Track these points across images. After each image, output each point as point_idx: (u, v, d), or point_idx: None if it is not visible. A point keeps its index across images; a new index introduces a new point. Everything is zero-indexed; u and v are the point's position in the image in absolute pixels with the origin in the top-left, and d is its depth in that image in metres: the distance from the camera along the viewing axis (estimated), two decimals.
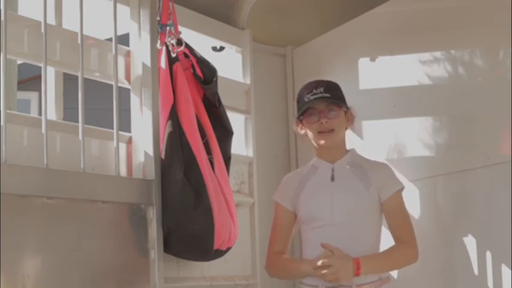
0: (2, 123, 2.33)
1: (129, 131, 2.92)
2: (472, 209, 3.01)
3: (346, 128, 2.98)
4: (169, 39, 2.95)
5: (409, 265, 2.90)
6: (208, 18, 3.46)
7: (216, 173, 2.96)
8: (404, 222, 2.89)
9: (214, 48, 3.64)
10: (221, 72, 3.17)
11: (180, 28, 3.02)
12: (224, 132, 3.11)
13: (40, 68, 2.52)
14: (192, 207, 2.78)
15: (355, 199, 2.86)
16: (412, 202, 3.20)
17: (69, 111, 2.83)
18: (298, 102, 2.98)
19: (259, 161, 3.59)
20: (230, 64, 3.64)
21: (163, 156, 2.83)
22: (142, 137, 2.87)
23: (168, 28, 2.96)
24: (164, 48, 2.95)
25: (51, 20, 2.71)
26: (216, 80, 3.07)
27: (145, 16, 2.91)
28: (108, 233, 2.64)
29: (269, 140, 3.79)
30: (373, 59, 3.52)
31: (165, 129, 2.85)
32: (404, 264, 2.92)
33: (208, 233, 2.82)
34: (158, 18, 2.95)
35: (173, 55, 2.96)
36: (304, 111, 2.92)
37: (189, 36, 3.22)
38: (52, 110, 2.69)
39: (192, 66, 3.02)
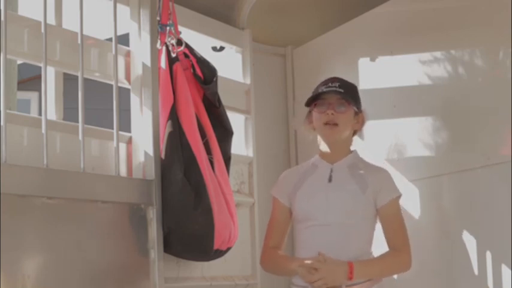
0: (2, 123, 2.33)
1: (129, 131, 2.92)
2: (472, 209, 3.01)
3: (354, 131, 2.96)
4: (169, 39, 2.95)
5: (401, 273, 2.90)
6: (208, 18, 3.46)
7: (216, 173, 2.96)
8: (399, 229, 2.87)
9: (214, 48, 3.64)
10: (221, 72, 3.17)
11: (180, 28, 3.02)
12: (224, 132, 3.11)
13: (40, 68, 2.52)
14: (192, 207, 2.78)
15: (350, 201, 2.85)
16: (412, 202, 3.20)
17: (69, 111, 2.83)
18: (312, 93, 2.97)
19: (259, 161, 3.59)
20: (230, 64, 3.64)
21: (163, 156, 2.83)
22: (142, 137, 2.87)
23: (168, 28, 2.96)
24: (164, 48, 2.96)
25: (51, 20, 2.71)
26: (216, 80, 3.07)
27: (145, 16, 2.91)
28: (108, 233, 2.64)
29: (269, 140, 3.79)
30: (373, 59, 3.52)
31: (165, 129, 2.85)
32: (396, 272, 2.92)
33: (208, 233, 2.82)
34: (158, 18, 2.95)
35: (173, 55, 2.96)
36: (315, 101, 2.90)
37: (189, 36, 3.22)
38: (52, 110, 2.69)
39: (192, 66, 3.03)
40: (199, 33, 3.41)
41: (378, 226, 2.92)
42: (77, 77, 2.63)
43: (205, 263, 3.06)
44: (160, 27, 2.95)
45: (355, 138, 3.04)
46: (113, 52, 2.77)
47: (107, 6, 2.83)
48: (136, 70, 2.93)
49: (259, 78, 3.71)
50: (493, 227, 2.92)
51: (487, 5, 2.99)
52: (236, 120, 3.44)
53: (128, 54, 2.95)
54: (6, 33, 2.38)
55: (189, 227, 2.79)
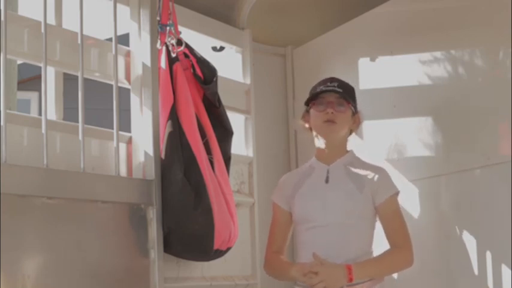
0: (2, 123, 2.33)
1: (129, 131, 2.92)
2: (472, 209, 3.01)
3: (351, 131, 2.98)
4: (169, 39, 2.95)
5: (403, 270, 2.89)
6: (208, 18, 3.46)
7: (216, 173, 2.96)
8: (399, 226, 2.87)
9: (214, 48, 3.64)
10: (221, 72, 3.17)
11: (180, 28, 3.02)
12: (224, 132, 3.11)
13: (40, 68, 2.52)
14: (192, 207, 2.78)
15: (348, 201, 2.85)
16: (412, 202, 3.20)
17: (69, 111, 2.83)
18: (310, 93, 2.97)
19: (259, 161, 3.59)
20: (230, 64, 3.64)
21: (163, 156, 2.83)
22: (142, 137, 2.87)
23: (168, 28, 2.96)
24: (164, 48, 2.96)
25: (51, 20, 2.71)
26: (216, 80, 3.07)
27: (145, 16, 2.91)
28: (108, 233, 2.64)
29: (269, 140, 3.79)
30: (373, 59, 3.52)
31: (165, 129, 2.85)
32: (398, 269, 2.92)
33: (208, 233, 2.82)
34: (158, 18, 2.95)
35: (173, 55, 2.96)
36: (314, 100, 2.90)
37: (189, 36, 3.22)
38: (52, 110, 2.69)
39: (192, 66, 3.02)
40: (199, 33, 3.41)
41: (378, 225, 2.92)
42: (77, 77, 2.63)
43: (205, 263, 3.06)
44: (160, 27, 2.95)
45: (355, 138, 3.04)
46: (113, 52, 2.77)
47: (107, 6, 2.83)
48: (136, 70, 2.93)
49: (259, 78, 3.71)
50: (493, 227, 2.92)
51: (487, 5, 2.99)
52: (236, 120, 3.44)
53: (128, 54, 2.95)
54: (6, 33, 2.38)
55: (189, 227, 2.79)
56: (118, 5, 2.82)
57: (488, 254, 2.93)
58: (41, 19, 2.53)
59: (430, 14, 3.26)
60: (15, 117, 2.53)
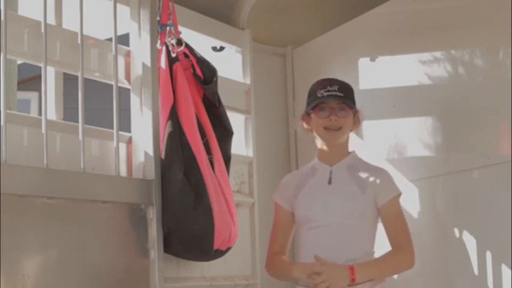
0: (2, 123, 2.33)
1: (129, 131, 2.92)
2: (472, 209, 3.01)
3: (351, 131, 2.97)
4: (169, 39, 2.95)
5: (404, 271, 2.88)
6: (208, 18, 3.46)
7: (216, 173, 2.96)
8: (401, 228, 2.87)
9: (214, 48, 3.64)
10: (221, 72, 3.17)
11: (180, 28, 3.02)
12: (224, 132, 3.11)
13: (40, 68, 2.52)
14: (192, 207, 2.78)
15: (350, 202, 2.85)
16: (412, 202, 3.20)
17: (69, 111, 2.83)
18: (309, 96, 2.96)
19: (259, 161, 3.59)
20: (230, 64, 3.64)
21: (163, 156, 2.83)
22: (142, 137, 2.87)
23: (168, 28, 2.96)
24: (164, 48, 2.96)
25: (51, 20, 2.71)
26: (216, 80, 3.07)
27: (145, 16, 2.91)
28: (108, 233, 2.64)
29: (269, 140, 3.79)
30: (373, 59, 3.52)
31: (165, 129, 2.85)
32: (399, 271, 2.91)
33: (208, 233, 2.82)
34: (158, 18, 2.95)
35: (173, 55, 2.96)
36: (315, 106, 2.90)
37: (189, 36, 3.22)
38: (52, 110, 2.69)
39: (192, 66, 3.02)
40: (199, 33, 3.41)
41: (381, 226, 2.92)
42: (77, 77, 2.63)
43: (205, 263, 3.06)
44: (160, 27, 2.95)
45: (356, 139, 3.05)
46: (113, 52, 2.77)
47: (107, 6, 2.83)
48: (137, 70, 2.93)
49: (259, 78, 3.71)
50: (492, 227, 2.92)
51: (487, 5, 2.99)
52: (236, 120, 3.44)
53: (128, 54, 2.95)
54: (6, 33, 2.38)
55: (189, 227, 2.79)
56: (118, 5, 2.82)
57: (488, 254, 2.93)
58: (41, 19, 2.53)
59: (430, 14, 3.26)
60: (15, 117, 2.53)
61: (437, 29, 3.21)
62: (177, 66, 2.96)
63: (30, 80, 9.34)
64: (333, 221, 2.84)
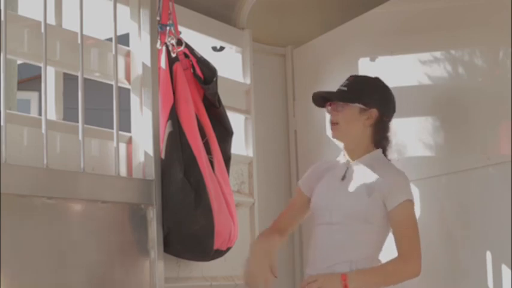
0: (2, 123, 2.33)
1: (129, 131, 2.92)
2: (472, 209, 3.01)
3: (373, 127, 2.88)
4: (169, 39, 2.96)
5: (407, 280, 2.77)
6: (208, 18, 3.46)
7: (216, 173, 2.96)
8: (406, 235, 2.77)
9: (214, 48, 3.64)
10: (221, 72, 3.17)
11: (180, 28, 3.02)
12: (224, 133, 3.11)
13: (40, 68, 2.52)
14: (192, 206, 2.78)
15: (352, 203, 2.79)
16: None
17: (69, 111, 2.83)
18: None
19: (259, 161, 3.59)
20: (230, 64, 3.64)
21: (163, 156, 2.83)
22: (142, 137, 2.87)
23: (168, 28, 2.96)
24: (164, 48, 2.96)
25: (51, 20, 2.71)
26: (216, 80, 3.07)
27: (145, 16, 2.92)
28: (108, 233, 2.64)
29: (269, 140, 3.79)
30: (373, 59, 3.52)
31: (165, 129, 2.85)
32: (400, 280, 2.77)
33: (208, 232, 2.82)
34: (158, 18, 2.95)
35: (173, 55, 2.96)
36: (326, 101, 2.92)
37: (189, 36, 3.22)
38: (52, 110, 2.69)
39: (192, 66, 3.03)
40: (199, 33, 3.41)
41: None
42: (77, 77, 2.64)
43: (205, 263, 3.06)
44: (160, 27, 2.95)
45: None
46: (113, 52, 2.77)
47: (107, 6, 2.83)
48: (137, 70, 2.93)
49: (259, 78, 3.71)
50: (493, 227, 2.92)
51: (487, 5, 2.99)
52: (236, 120, 3.44)
53: (128, 54, 2.95)
54: (6, 33, 2.38)
55: (189, 227, 2.79)
56: (118, 5, 2.82)
57: (488, 254, 2.92)
58: (41, 19, 2.53)
59: (430, 14, 3.26)
60: (15, 117, 2.53)
61: (437, 29, 3.20)
62: (177, 66, 2.96)
63: (30, 80, 9.34)
64: (336, 220, 2.80)
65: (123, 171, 2.85)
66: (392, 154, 3.33)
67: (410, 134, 3.28)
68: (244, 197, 3.46)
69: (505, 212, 2.85)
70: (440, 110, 3.18)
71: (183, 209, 2.78)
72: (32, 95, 10.28)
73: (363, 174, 2.84)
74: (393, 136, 3.26)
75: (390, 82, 3.41)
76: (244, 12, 3.67)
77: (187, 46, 3.04)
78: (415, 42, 3.30)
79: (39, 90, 2.53)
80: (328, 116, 2.90)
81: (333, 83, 3.03)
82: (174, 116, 2.86)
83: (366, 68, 3.53)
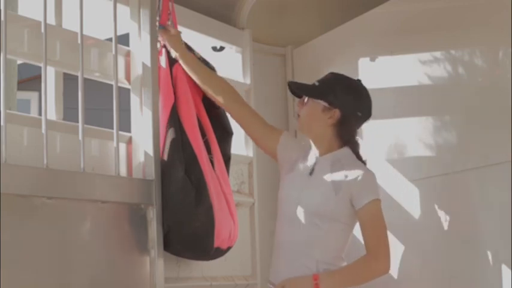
0: (2, 123, 2.33)
1: (129, 131, 2.92)
2: (472, 209, 3.01)
3: (335, 127, 2.85)
4: None
5: (377, 277, 2.74)
6: (208, 18, 3.46)
7: (216, 172, 2.96)
8: (373, 233, 2.73)
9: (214, 48, 3.64)
10: (221, 72, 3.17)
11: (180, 28, 3.02)
12: (224, 133, 3.11)
13: (40, 68, 2.52)
14: (193, 205, 2.78)
15: (320, 200, 2.77)
16: (412, 202, 3.20)
17: (69, 111, 2.83)
18: None
19: (259, 161, 3.59)
20: (230, 64, 3.64)
21: (164, 156, 2.83)
22: (142, 137, 2.87)
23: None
24: (164, 48, 2.96)
25: (51, 20, 2.71)
26: None
27: (145, 16, 2.91)
28: (108, 233, 2.64)
29: None
30: (373, 59, 3.52)
31: (166, 128, 2.85)
32: (371, 277, 2.74)
33: (209, 230, 2.82)
34: (158, 18, 2.95)
35: (173, 55, 2.96)
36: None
37: (189, 36, 3.22)
38: (52, 110, 2.69)
39: None
40: (199, 33, 3.41)
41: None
42: (77, 77, 2.64)
43: (205, 263, 3.06)
44: (160, 27, 2.95)
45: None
46: (113, 52, 2.77)
47: (107, 6, 2.83)
48: (137, 70, 2.93)
49: (259, 78, 3.71)
50: (493, 227, 2.92)
51: (487, 5, 2.99)
52: None
53: (128, 54, 2.95)
54: (6, 33, 2.38)
55: (190, 225, 2.79)
56: (118, 5, 2.82)
57: (488, 254, 2.93)
58: (41, 19, 2.53)
59: (430, 14, 3.26)
60: (15, 117, 2.53)
61: (437, 29, 3.21)
62: (177, 67, 2.96)
63: (30, 80, 9.35)
64: (300, 217, 2.77)
65: (123, 171, 2.85)
66: (392, 154, 3.33)
67: (411, 134, 3.28)
68: (244, 197, 3.46)
69: (504, 212, 2.85)
70: (440, 110, 3.18)
71: (183, 208, 2.78)
72: (32, 95, 10.28)
73: (330, 171, 2.80)
74: (393, 136, 3.26)
75: (390, 82, 3.42)
76: (244, 12, 3.67)
77: (187, 46, 3.04)
78: (415, 42, 3.30)
79: (39, 90, 2.52)
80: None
81: None
82: (175, 114, 2.87)
83: (366, 68, 3.53)
